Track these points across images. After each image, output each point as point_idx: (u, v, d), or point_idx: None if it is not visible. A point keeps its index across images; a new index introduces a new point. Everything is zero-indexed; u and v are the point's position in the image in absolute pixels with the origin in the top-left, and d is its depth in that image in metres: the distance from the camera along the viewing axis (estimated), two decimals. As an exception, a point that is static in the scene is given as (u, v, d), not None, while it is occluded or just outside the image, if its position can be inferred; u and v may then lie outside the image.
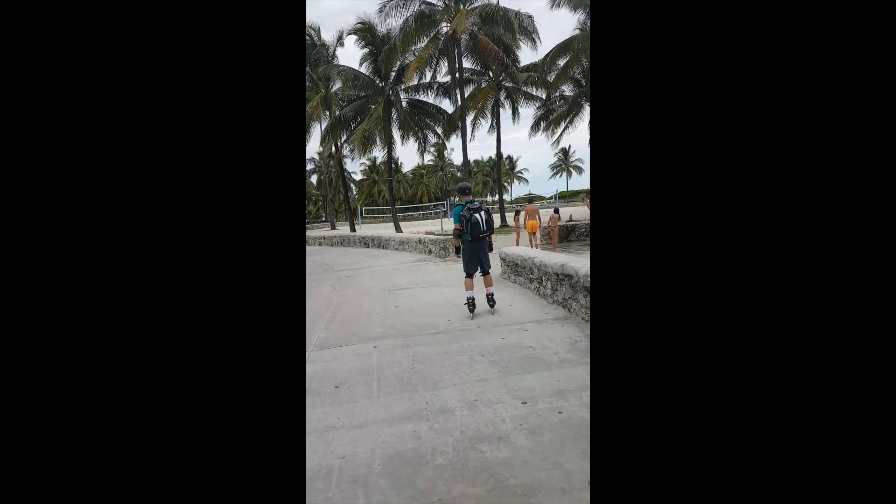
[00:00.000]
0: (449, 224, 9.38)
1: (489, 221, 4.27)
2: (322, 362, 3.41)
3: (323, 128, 17.96)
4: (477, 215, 4.21)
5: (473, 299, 4.31)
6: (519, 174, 61.00)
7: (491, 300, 4.40)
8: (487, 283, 4.40)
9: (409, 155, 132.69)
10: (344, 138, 18.42)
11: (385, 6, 14.78)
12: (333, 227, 34.91)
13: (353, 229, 27.55)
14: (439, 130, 18.02)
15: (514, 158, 60.23)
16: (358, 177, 54.02)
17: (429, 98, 17.64)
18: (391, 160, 18.25)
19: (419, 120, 17.67)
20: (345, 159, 49.55)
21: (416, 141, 17.96)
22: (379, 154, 19.20)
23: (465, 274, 4.40)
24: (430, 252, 9.97)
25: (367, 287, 6.95)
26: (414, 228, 20.08)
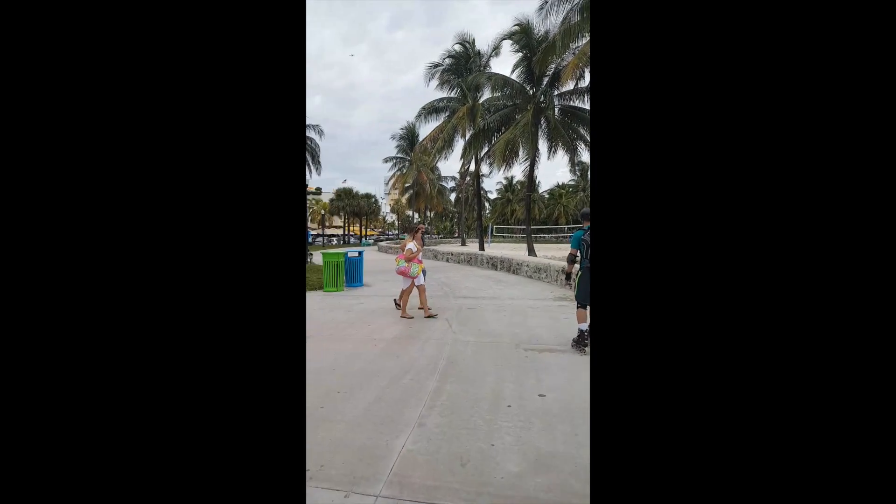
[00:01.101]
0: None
1: None
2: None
3: (466, 140, 16.72)
4: None
5: (588, 332, 3.97)
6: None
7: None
8: (586, 315, 4.03)
9: (546, 175, 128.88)
10: (485, 150, 16.94)
11: (546, 2, 12.93)
12: (464, 244, 34.82)
13: (481, 247, 28.08)
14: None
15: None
16: (493, 195, 53.16)
17: (585, 104, 15.09)
18: (533, 172, 16.05)
19: (571, 128, 15.24)
20: (482, 177, 50.44)
21: (566, 152, 15.56)
22: (518, 170, 17.12)
23: (577, 304, 4.11)
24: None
25: (493, 333, 4.84)
26: (547, 252, 17.63)
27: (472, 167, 18.91)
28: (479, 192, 19.72)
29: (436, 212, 48.54)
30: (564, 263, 6.67)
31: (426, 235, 41.32)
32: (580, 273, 4.12)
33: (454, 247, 24.99)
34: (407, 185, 34.90)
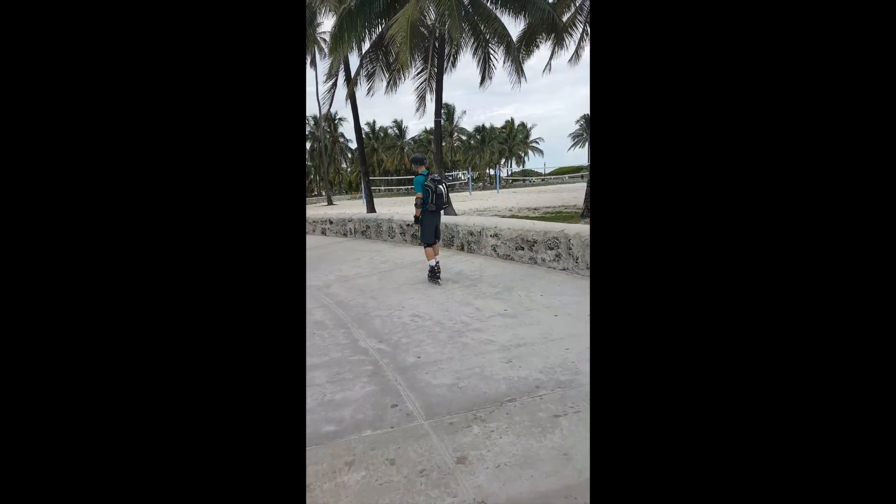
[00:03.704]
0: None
1: (447, 194, 4.75)
2: None
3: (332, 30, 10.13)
4: (441, 186, 4.37)
5: (438, 265, 4.52)
6: (534, 143, 53.27)
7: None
8: (436, 252, 4.54)
9: (412, 116, 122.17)
10: (366, 47, 10.80)
11: None
12: (330, 203, 28.37)
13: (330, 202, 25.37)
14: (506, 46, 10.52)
15: (529, 126, 52.34)
16: (353, 145, 46.06)
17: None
18: (441, 83, 10.69)
19: (484, 23, 10.37)
20: (340, 122, 42.69)
21: (475, 57, 10.75)
22: (412, 84, 11.58)
23: (424, 244, 4.51)
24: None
25: None
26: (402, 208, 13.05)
27: (336, 89, 12.64)
28: (358, 126, 13.07)
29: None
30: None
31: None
32: (421, 217, 4.41)
33: (322, 208, 18.80)
34: None
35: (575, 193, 17.40)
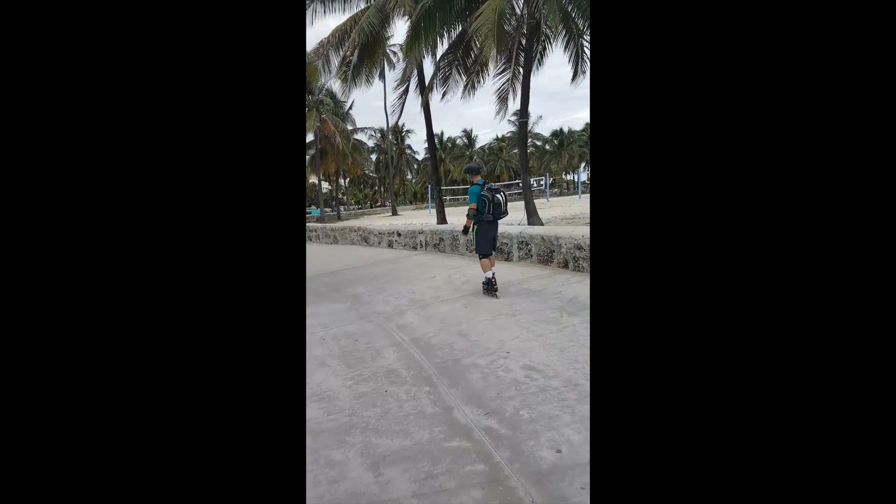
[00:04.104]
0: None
1: (506, 203, 4.23)
2: None
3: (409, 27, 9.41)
4: (498, 196, 4.13)
5: (494, 276, 4.10)
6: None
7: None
8: (492, 262, 4.19)
9: (485, 124, 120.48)
10: (441, 51, 10.02)
11: None
12: (395, 213, 28.28)
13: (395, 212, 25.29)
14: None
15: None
16: (420, 157, 46.19)
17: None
18: (528, 81, 9.43)
19: (576, 10, 9.19)
20: (406, 134, 43.07)
21: (566, 51, 9.56)
22: (494, 83, 10.52)
23: (480, 255, 4.22)
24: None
25: None
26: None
27: (408, 96, 11.93)
28: (430, 132, 11.54)
29: (351, 177, 40.35)
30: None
31: (341, 206, 33.56)
32: (476, 227, 4.17)
33: (388, 219, 18.37)
34: (308, 139, 26.06)
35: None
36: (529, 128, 42.90)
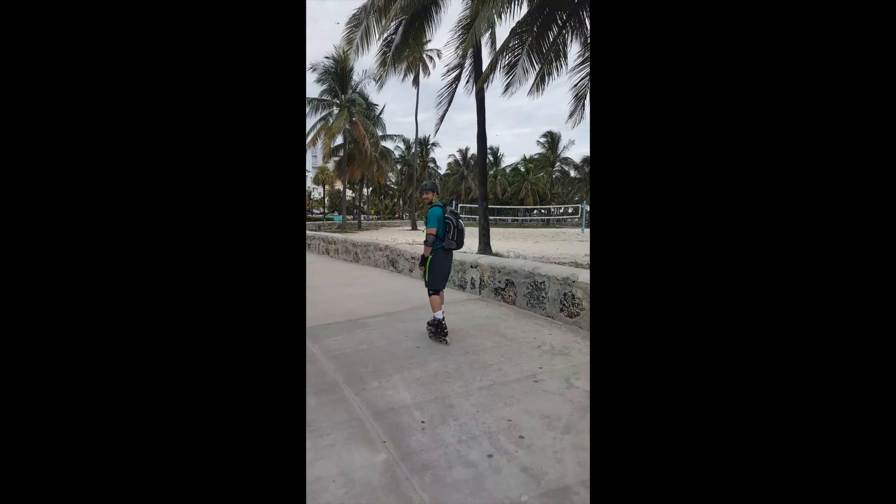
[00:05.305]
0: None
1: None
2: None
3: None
4: (461, 222, 3.44)
5: (444, 321, 3.41)
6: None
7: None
8: (442, 299, 3.51)
9: (505, 148, 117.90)
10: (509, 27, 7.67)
11: None
12: (415, 227, 26.07)
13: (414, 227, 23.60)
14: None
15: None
16: (443, 171, 44.19)
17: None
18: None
19: None
20: (431, 147, 41.21)
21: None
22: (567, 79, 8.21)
23: (430, 291, 3.47)
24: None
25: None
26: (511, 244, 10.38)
27: (466, 60, 9.52)
28: (482, 131, 8.86)
29: (374, 186, 38.33)
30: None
31: (362, 215, 31.41)
32: (430, 257, 3.44)
33: (405, 233, 16.10)
34: (335, 143, 23.88)
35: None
36: (558, 151, 40.92)
